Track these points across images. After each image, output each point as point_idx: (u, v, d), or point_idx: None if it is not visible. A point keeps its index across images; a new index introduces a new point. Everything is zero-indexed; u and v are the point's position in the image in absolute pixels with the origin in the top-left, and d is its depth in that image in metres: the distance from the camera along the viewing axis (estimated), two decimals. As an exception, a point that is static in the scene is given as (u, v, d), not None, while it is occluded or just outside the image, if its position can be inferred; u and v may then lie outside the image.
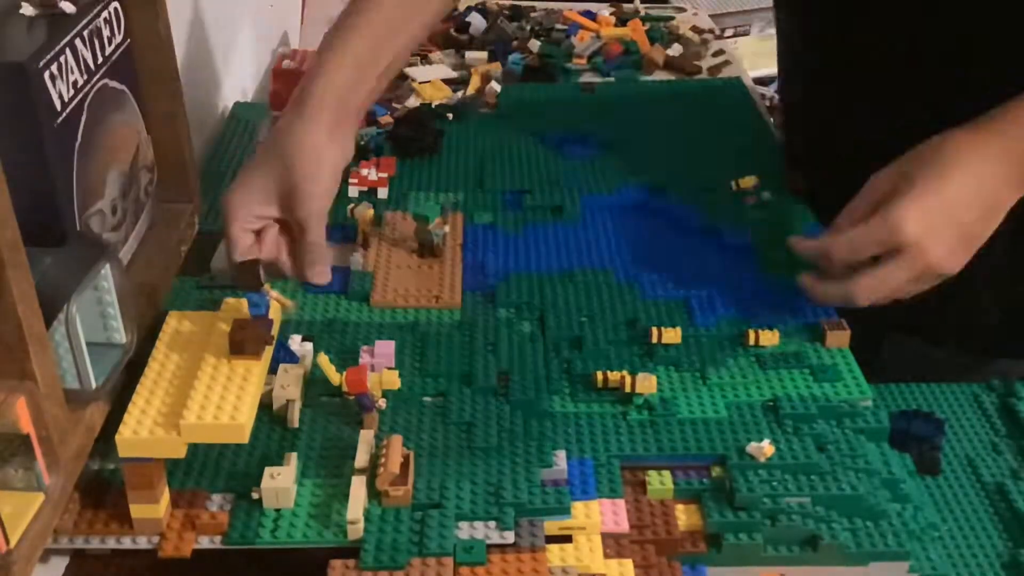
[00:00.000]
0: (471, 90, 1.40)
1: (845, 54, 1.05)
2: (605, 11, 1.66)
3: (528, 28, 1.59)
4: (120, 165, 0.85)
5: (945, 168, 0.85)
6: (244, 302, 0.82)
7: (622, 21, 1.63)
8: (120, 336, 0.77)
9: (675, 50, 1.54)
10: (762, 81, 2.24)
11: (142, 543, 0.73)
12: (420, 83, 1.40)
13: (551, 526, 0.73)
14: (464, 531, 0.72)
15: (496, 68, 1.44)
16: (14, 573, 0.63)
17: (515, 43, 1.53)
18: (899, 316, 0.96)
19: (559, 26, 1.60)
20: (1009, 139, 0.86)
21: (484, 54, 1.49)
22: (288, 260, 0.94)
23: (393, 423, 0.81)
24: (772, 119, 1.35)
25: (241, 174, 0.93)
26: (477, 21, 1.56)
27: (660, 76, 1.48)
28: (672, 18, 1.67)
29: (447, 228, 1.02)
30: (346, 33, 0.95)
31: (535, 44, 1.52)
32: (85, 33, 0.78)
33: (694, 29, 1.63)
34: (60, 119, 0.74)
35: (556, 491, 0.74)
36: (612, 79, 1.46)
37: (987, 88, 0.89)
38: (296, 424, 0.81)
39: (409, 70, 1.43)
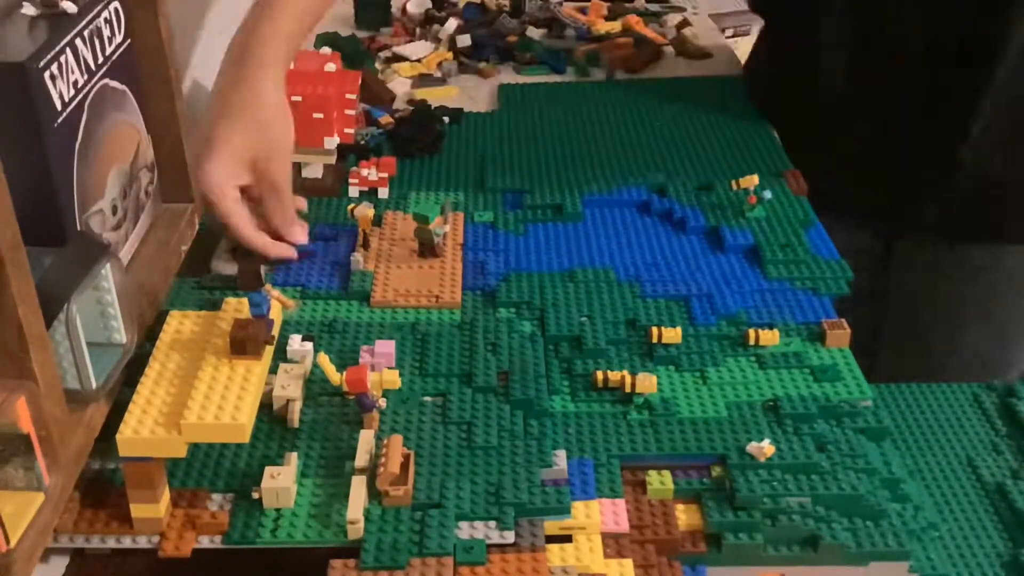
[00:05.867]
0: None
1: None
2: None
3: (527, 23, 1.59)
4: (120, 165, 0.85)
5: None
6: (245, 302, 0.82)
7: (614, 15, 1.63)
8: (120, 336, 0.77)
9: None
10: (762, 81, 2.24)
11: (142, 543, 0.73)
12: (397, 65, 1.44)
13: (551, 526, 0.73)
14: (464, 531, 0.72)
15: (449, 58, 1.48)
16: (14, 572, 0.63)
17: (512, 39, 1.52)
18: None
19: (563, 17, 1.60)
20: None
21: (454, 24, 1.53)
22: (251, 231, 0.94)
23: (393, 423, 0.81)
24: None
25: (213, 144, 0.91)
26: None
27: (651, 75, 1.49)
28: (663, 13, 1.67)
29: (447, 228, 1.02)
30: (275, 17, 0.95)
31: (535, 32, 1.54)
32: (85, 33, 0.78)
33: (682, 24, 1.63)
34: (60, 119, 0.74)
35: (556, 491, 0.74)
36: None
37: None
38: (296, 424, 0.81)
39: (398, 49, 1.49)
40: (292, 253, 0.97)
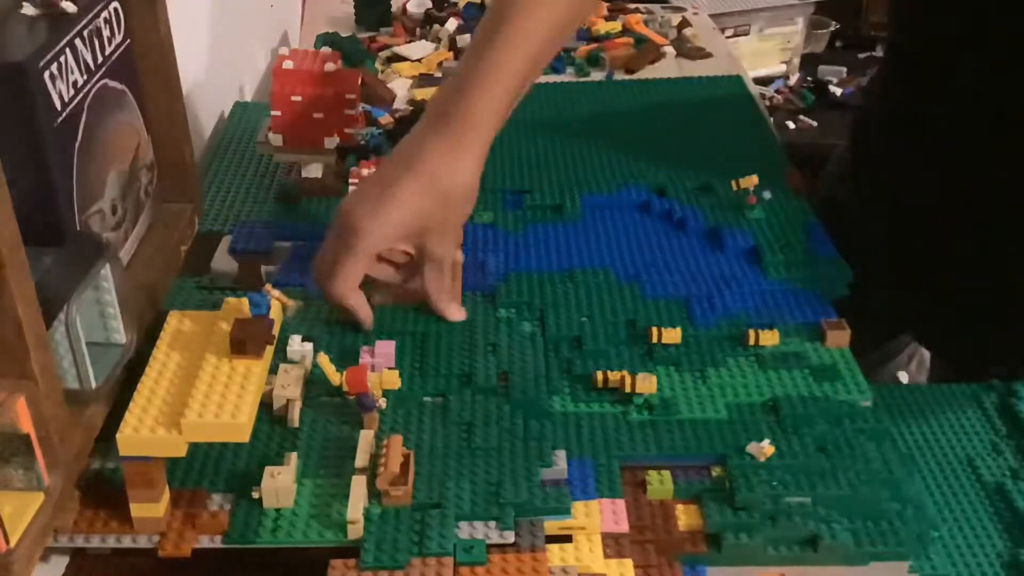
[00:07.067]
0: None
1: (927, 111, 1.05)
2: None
3: None
4: (120, 165, 0.85)
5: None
6: (245, 302, 0.82)
7: (614, 15, 1.64)
8: (120, 336, 0.77)
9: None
10: (762, 81, 2.25)
11: (142, 542, 0.73)
12: (397, 65, 1.46)
13: (551, 526, 0.73)
14: (464, 531, 0.72)
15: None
16: (14, 572, 0.63)
17: None
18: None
19: None
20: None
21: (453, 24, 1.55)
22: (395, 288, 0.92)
23: (393, 423, 0.81)
24: (772, 119, 1.35)
25: (384, 198, 0.85)
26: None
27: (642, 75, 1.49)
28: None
29: (447, 228, 1.02)
30: (504, 48, 0.88)
31: None
32: (85, 33, 0.78)
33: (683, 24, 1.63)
34: (60, 119, 0.74)
35: (556, 491, 0.74)
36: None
37: None
38: (296, 424, 0.81)
39: (399, 49, 1.50)
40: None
